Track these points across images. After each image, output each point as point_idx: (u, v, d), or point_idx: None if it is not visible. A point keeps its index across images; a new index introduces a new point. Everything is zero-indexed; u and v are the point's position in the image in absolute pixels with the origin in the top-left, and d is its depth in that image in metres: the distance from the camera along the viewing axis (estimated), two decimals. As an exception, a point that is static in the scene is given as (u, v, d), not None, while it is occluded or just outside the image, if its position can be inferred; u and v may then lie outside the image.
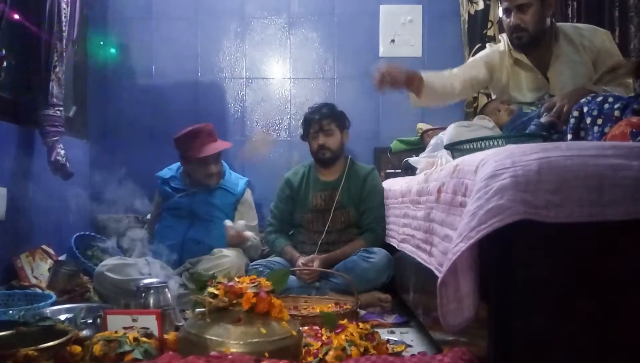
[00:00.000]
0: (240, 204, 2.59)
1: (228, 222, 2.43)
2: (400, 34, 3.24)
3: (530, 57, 2.07)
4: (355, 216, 2.49)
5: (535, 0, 1.95)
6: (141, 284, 1.78)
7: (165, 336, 1.41)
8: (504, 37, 2.15)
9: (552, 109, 1.70)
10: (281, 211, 2.58)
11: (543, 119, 1.70)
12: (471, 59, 2.30)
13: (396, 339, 1.72)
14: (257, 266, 2.32)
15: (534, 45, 2.03)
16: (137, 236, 2.55)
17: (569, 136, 1.49)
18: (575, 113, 1.48)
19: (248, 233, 2.44)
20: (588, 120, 1.42)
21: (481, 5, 3.12)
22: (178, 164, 2.65)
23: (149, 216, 2.70)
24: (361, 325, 1.45)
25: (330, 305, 1.99)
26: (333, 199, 2.49)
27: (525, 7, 1.96)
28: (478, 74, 2.17)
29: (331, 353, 1.30)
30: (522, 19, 1.98)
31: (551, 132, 1.67)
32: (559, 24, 2.11)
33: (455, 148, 1.68)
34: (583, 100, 1.49)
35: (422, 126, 2.89)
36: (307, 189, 2.56)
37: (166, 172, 2.65)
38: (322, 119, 2.49)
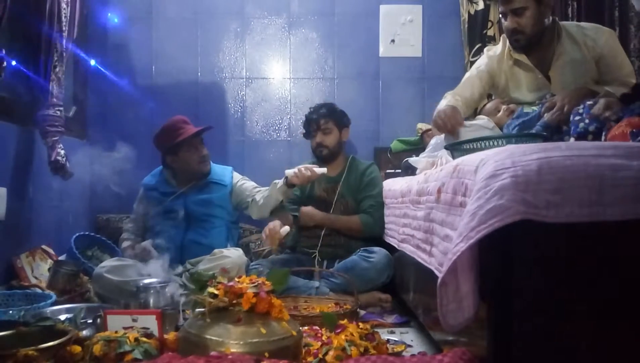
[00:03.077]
0: (236, 188, 2.58)
1: (289, 172, 2.38)
2: (400, 34, 3.24)
3: (530, 57, 2.05)
4: (354, 206, 2.57)
5: (531, 3, 1.93)
6: (141, 284, 1.78)
7: (165, 336, 1.41)
8: (506, 38, 2.14)
9: (553, 108, 1.70)
10: (290, 204, 2.62)
11: (547, 118, 1.69)
12: (468, 77, 2.24)
13: (396, 339, 1.72)
14: (257, 266, 2.33)
15: (533, 46, 2.01)
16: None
17: (571, 139, 1.48)
18: (587, 120, 1.47)
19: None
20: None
21: (481, 6, 3.11)
22: (159, 169, 2.63)
23: (129, 218, 2.67)
24: (361, 325, 1.45)
25: (330, 305, 1.99)
26: (335, 192, 2.59)
27: (520, 10, 1.94)
28: (474, 95, 2.20)
29: (331, 353, 1.30)
30: (518, 22, 1.96)
31: (556, 131, 1.66)
32: (563, 22, 2.09)
33: (455, 148, 1.68)
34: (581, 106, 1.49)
35: (422, 126, 2.90)
36: (312, 184, 2.60)
37: (150, 179, 2.62)
38: (320, 118, 2.64)
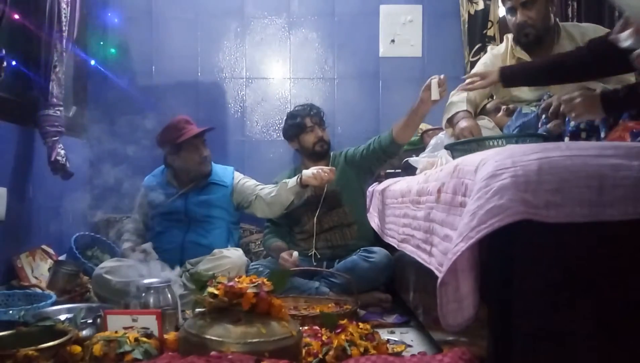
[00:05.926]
0: (237, 187, 2.57)
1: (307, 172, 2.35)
2: (400, 34, 3.24)
3: (532, 56, 2.08)
4: (341, 198, 2.54)
5: None
6: (141, 284, 1.78)
7: (166, 336, 1.41)
8: (509, 37, 2.15)
9: (549, 109, 1.70)
10: None
11: (550, 126, 1.69)
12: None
13: (396, 339, 1.72)
14: (257, 266, 2.33)
15: (540, 42, 2.03)
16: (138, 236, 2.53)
17: (566, 138, 1.48)
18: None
19: None
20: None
21: (481, 5, 3.11)
22: (161, 168, 2.63)
23: (129, 218, 2.66)
24: (361, 325, 1.45)
25: (330, 305, 1.99)
26: (322, 188, 2.53)
27: (530, 3, 1.97)
28: (485, 91, 2.21)
29: (331, 353, 1.30)
30: (528, 16, 1.98)
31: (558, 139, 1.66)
32: (562, 23, 2.12)
33: (455, 148, 1.68)
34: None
35: (423, 126, 2.89)
36: None
37: (152, 179, 2.61)
38: (320, 113, 2.68)
